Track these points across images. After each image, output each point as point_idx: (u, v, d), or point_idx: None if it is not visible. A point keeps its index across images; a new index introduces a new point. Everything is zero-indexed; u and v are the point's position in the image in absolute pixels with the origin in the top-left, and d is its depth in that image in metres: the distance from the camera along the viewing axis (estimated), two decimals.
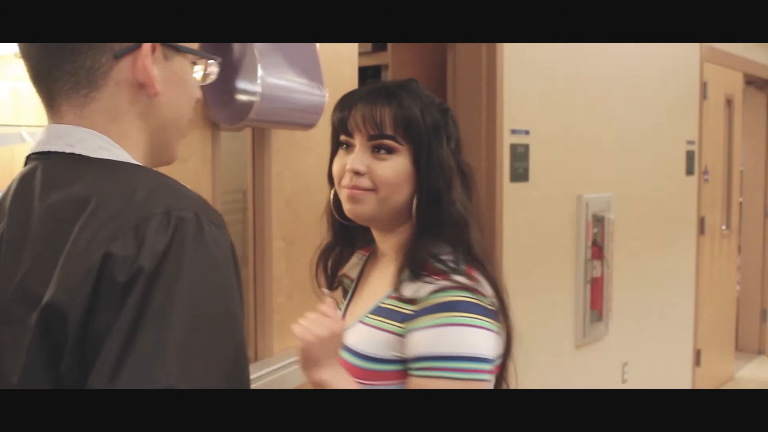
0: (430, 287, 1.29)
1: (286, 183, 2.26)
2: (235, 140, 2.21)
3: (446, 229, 1.35)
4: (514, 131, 3.40)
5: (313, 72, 2.12)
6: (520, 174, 3.43)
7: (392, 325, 1.31)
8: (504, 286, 1.38)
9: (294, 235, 2.29)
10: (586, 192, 3.79)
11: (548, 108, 3.59)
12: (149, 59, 0.98)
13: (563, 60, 3.65)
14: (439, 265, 1.32)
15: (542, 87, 3.55)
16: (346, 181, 1.36)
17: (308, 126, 2.15)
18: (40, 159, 1.00)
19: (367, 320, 1.37)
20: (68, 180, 0.95)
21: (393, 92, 1.37)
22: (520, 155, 3.43)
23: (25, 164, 1.03)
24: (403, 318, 1.30)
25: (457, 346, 1.24)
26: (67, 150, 0.97)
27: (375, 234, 1.47)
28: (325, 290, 1.50)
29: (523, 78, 3.42)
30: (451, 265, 1.32)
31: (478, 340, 1.26)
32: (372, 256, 1.53)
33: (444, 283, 1.29)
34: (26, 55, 1.01)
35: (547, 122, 3.58)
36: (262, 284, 2.21)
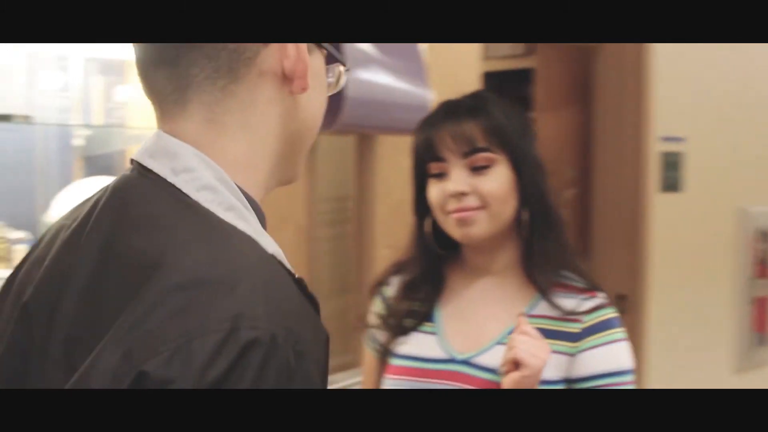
0: (588, 304, 1.33)
1: (392, 189, 2.22)
2: (340, 147, 2.20)
3: (555, 229, 1.36)
4: (665, 139, 3.18)
5: (415, 73, 2.07)
6: (671, 184, 3.21)
7: (559, 345, 1.31)
8: None
9: (401, 242, 2.25)
10: (750, 204, 3.49)
11: (706, 112, 3.33)
12: (298, 46, 0.78)
13: (723, 59, 3.37)
14: (576, 282, 1.36)
15: (699, 89, 3.30)
16: (451, 205, 1.33)
17: (411, 130, 2.11)
18: (142, 173, 0.77)
19: None
20: (150, 225, 0.73)
21: (474, 105, 1.36)
22: (672, 164, 3.21)
23: (131, 166, 0.80)
24: (571, 337, 1.32)
25: (626, 360, 1.31)
26: (169, 178, 0.74)
27: (476, 254, 1.41)
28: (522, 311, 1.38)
29: (677, 80, 3.19)
30: (592, 281, 1.38)
31: (629, 352, 1.34)
32: (463, 272, 1.45)
33: (599, 301, 1.34)
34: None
35: (705, 128, 3.32)
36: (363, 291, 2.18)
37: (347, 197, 2.24)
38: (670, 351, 3.19)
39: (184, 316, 0.63)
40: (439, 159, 1.34)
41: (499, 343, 1.34)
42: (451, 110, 1.37)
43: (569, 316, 1.32)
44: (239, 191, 0.75)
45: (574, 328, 1.32)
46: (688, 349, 3.26)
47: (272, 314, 0.65)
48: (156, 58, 0.77)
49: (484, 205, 1.32)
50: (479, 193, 1.31)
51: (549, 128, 3.51)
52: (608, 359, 1.30)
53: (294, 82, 0.78)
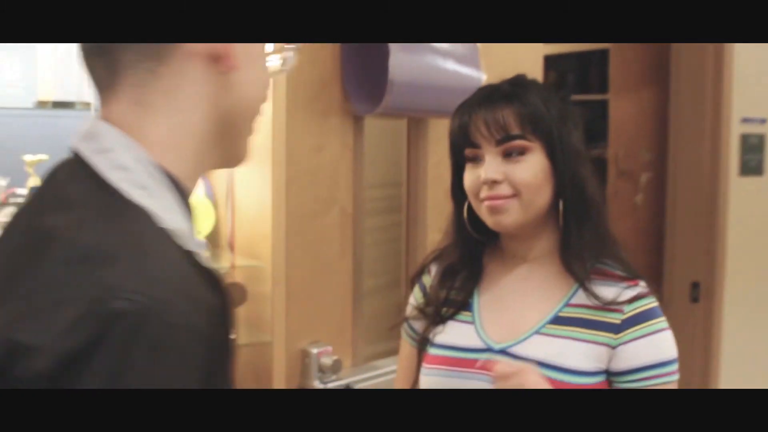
0: (629, 293, 1.30)
1: (444, 174, 2.20)
2: (393, 131, 2.20)
3: (593, 217, 1.32)
4: (745, 120, 3.05)
5: (467, 55, 2.05)
6: (752, 167, 3.08)
7: (598, 335, 1.29)
8: None
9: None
10: None
11: None
12: None
13: None
14: (618, 270, 1.33)
15: None
16: (483, 192, 1.30)
17: None
18: (72, 155, 0.79)
19: (551, 331, 1.30)
20: (62, 203, 0.75)
21: (510, 91, 1.33)
22: (753, 146, 3.07)
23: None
24: (613, 328, 1.28)
25: (670, 350, 1.29)
26: (89, 158, 0.76)
27: (513, 242, 1.39)
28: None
29: (758, 58, 3.05)
30: (633, 269, 1.34)
31: (672, 341, 1.31)
32: (501, 260, 1.43)
33: (640, 290, 1.30)
34: None
35: None
36: None
37: (400, 183, 2.24)
38: (745, 341, 3.07)
39: (61, 288, 0.65)
40: (474, 145, 1.32)
41: (537, 332, 1.31)
42: (487, 95, 1.33)
43: (609, 305, 1.29)
44: (158, 170, 0.76)
45: (614, 318, 1.28)
46: (764, 339, 3.12)
47: (146, 287, 0.65)
48: (91, 46, 0.80)
49: (516, 194, 1.28)
50: (512, 181, 1.28)
51: (624, 110, 3.41)
52: (651, 350, 1.27)
53: (221, 61, 0.79)
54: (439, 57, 1.99)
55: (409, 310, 1.47)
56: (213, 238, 2.11)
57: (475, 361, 1.33)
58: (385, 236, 2.26)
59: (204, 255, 0.76)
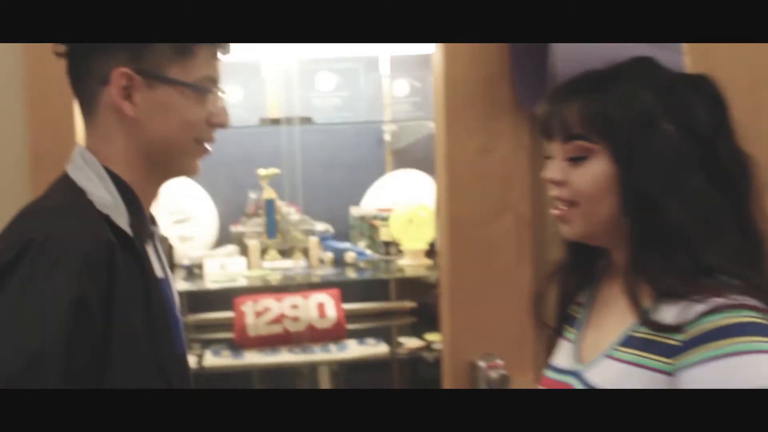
0: (699, 307, 1.05)
1: None
2: None
3: (665, 243, 1.10)
4: None
5: (668, 58, 1.80)
6: None
7: (655, 360, 1.10)
8: None
9: None
10: None
11: None
12: (117, 87, 1.14)
13: None
14: (703, 279, 1.08)
15: None
16: (552, 192, 1.20)
17: None
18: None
19: (617, 354, 1.16)
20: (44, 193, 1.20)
21: (587, 83, 1.18)
22: None
23: None
24: (670, 351, 1.08)
25: (755, 379, 1.00)
26: (68, 167, 1.19)
27: (609, 252, 1.25)
28: None
29: None
30: (723, 278, 1.08)
31: (760, 367, 1.01)
32: (607, 272, 1.29)
33: (719, 301, 1.04)
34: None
35: None
36: None
37: None
38: None
39: (10, 229, 1.09)
40: (550, 138, 1.20)
41: (607, 355, 1.15)
42: (565, 87, 1.21)
43: (670, 329, 1.06)
44: (105, 171, 1.15)
45: (674, 340, 1.05)
46: None
47: (55, 230, 1.04)
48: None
49: (574, 202, 1.15)
50: (570, 186, 1.15)
51: None
52: (724, 377, 1.00)
53: (121, 111, 1.15)
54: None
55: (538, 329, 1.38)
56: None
57: (557, 382, 1.23)
58: None
59: (121, 220, 1.13)
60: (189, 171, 1.23)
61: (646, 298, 1.11)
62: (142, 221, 1.19)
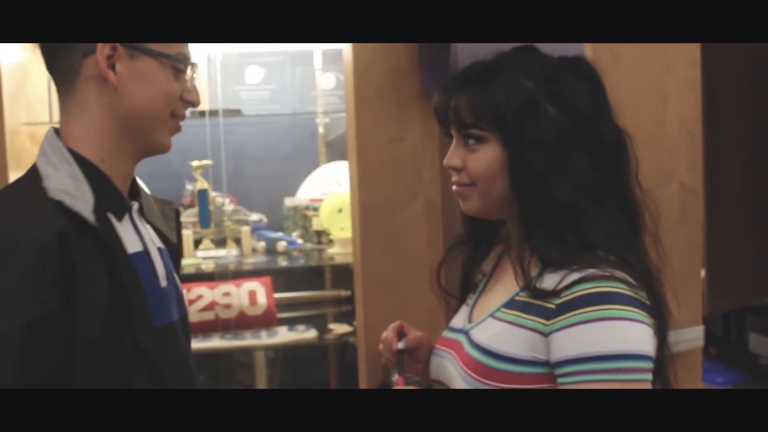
0: (574, 276, 1.15)
1: None
2: None
3: (549, 219, 1.20)
4: None
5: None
6: None
7: (531, 320, 1.19)
8: (659, 280, 1.21)
9: None
10: None
11: None
12: (102, 56, 1.15)
13: None
14: (584, 254, 1.18)
15: None
16: (453, 177, 1.30)
17: None
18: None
19: (500, 315, 1.26)
20: None
21: (474, 74, 1.27)
22: None
23: None
24: (545, 314, 1.17)
25: (617, 342, 1.10)
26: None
27: (503, 226, 1.37)
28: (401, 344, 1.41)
29: None
30: (601, 253, 1.17)
31: (639, 335, 1.12)
32: (508, 247, 1.38)
33: (592, 271, 1.14)
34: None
35: None
36: None
37: None
38: None
39: None
40: (447, 128, 1.30)
41: (492, 315, 1.26)
42: (454, 80, 1.30)
43: (549, 294, 1.16)
44: (68, 153, 1.17)
45: (550, 303, 1.15)
46: None
47: (7, 223, 1.07)
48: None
49: (472, 183, 1.25)
50: (467, 170, 1.25)
51: None
52: (589, 339, 1.11)
53: (107, 81, 1.16)
54: None
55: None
56: None
57: (449, 340, 1.34)
58: None
59: (80, 203, 1.13)
60: (162, 146, 1.25)
61: (533, 268, 1.20)
62: (113, 198, 1.21)
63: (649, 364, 1.12)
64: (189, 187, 2.72)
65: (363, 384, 1.99)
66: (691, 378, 2.27)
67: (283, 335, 2.50)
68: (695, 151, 2.19)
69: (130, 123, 1.20)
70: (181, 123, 1.28)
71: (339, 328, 2.63)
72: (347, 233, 2.54)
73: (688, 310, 2.19)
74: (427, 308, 1.96)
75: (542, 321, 1.16)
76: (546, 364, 1.15)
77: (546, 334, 1.15)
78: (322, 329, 2.67)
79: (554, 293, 1.15)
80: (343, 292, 2.87)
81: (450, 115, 1.26)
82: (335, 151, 2.95)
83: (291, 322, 2.67)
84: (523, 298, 1.22)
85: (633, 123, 1.92)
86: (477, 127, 1.22)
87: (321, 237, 2.67)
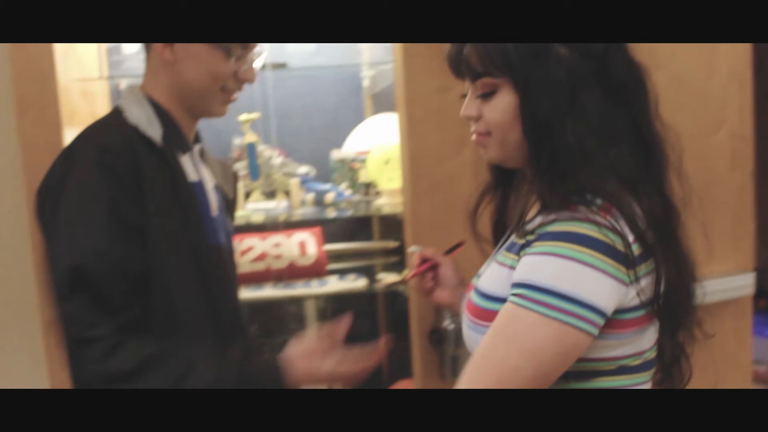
0: (551, 216, 1.17)
1: None
2: None
3: (555, 162, 1.20)
4: None
5: None
6: None
7: (511, 258, 1.25)
8: (646, 232, 1.18)
9: None
10: None
11: None
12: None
13: None
14: (573, 198, 1.18)
15: None
16: (471, 128, 1.33)
17: None
18: None
19: (499, 257, 1.32)
20: None
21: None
22: None
23: None
24: (518, 251, 1.22)
25: (563, 281, 1.10)
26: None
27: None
28: (412, 248, 1.55)
29: None
30: (588, 197, 1.18)
31: (591, 283, 1.11)
32: None
33: (567, 213, 1.15)
34: None
35: None
36: None
37: None
38: None
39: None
40: (462, 79, 1.32)
41: (494, 260, 1.32)
42: None
43: (526, 233, 1.20)
44: (144, 97, 1.49)
45: (524, 241, 1.20)
46: None
47: (91, 135, 1.42)
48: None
49: (489, 132, 1.27)
50: (484, 119, 1.27)
51: None
52: (541, 269, 1.12)
53: (164, 56, 1.47)
54: None
55: None
56: None
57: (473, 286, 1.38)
58: None
59: (153, 131, 1.43)
60: (214, 113, 1.54)
61: (534, 212, 1.24)
62: (178, 136, 1.49)
63: (595, 317, 1.11)
64: (236, 141, 2.75)
65: (414, 332, 2.02)
66: (740, 327, 2.28)
67: (334, 284, 2.54)
68: (745, 98, 2.18)
69: (184, 92, 1.50)
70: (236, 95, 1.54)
71: (388, 278, 2.67)
72: (394, 184, 2.56)
73: (739, 258, 2.19)
74: (476, 256, 1.99)
75: (515, 257, 1.21)
76: None
77: (514, 268, 1.19)
78: (371, 279, 2.71)
79: (530, 232, 1.18)
80: (391, 243, 2.90)
81: (462, 66, 1.27)
82: (380, 104, 2.96)
83: (340, 273, 2.71)
84: (515, 239, 1.25)
85: (682, 70, 1.93)
86: (489, 74, 1.23)
87: (368, 189, 2.69)
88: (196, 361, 1.32)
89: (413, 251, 1.56)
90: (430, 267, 1.57)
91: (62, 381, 1.46)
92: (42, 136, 1.88)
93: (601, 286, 1.11)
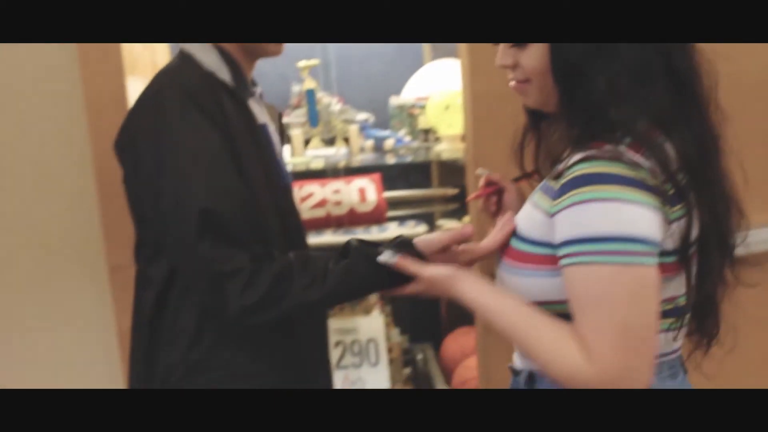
0: (578, 156, 1.14)
1: None
2: None
3: (586, 102, 1.17)
4: None
5: None
6: None
7: (545, 202, 1.22)
8: (677, 173, 1.14)
9: None
10: None
11: None
12: None
13: None
14: (603, 137, 1.16)
15: None
16: (509, 76, 1.31)
17: None
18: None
19: (534, 198, 1.30)
20: None
21: None
22: None
23: None
24: (552, 195, 1.19)
25: (609, 224, 1.07)
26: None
27: None
28: (480, 170, 1.52)
29: None
30: (617, 135, 1.15)
31: (632, 216, 1.08)
32: None
33: (592, 151, 1.12)
34: None
35: None
36: None
37: None
38: None
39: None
40: None
41: (529, 202, 1.30)
42: None
43: (557, 175, 1.18)
44: (217, 51, 1.42)
45: (557, 184, 1.16)
46: None
47: (175, 79, 1.36)
48: None
49: (527, 79, 1.26)
50: (521, 67, 1.25)
51: None
52: (581, 221, 1.09)
53: None
54: None
55: None
56: None
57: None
58: None
59: (225, 76, 1.41)
60: (270, 52, 1.49)
61: (567, 153, 1.21)
62: (244, 80, 1.45)
63: (646, 248, 1.08)
64: (295, 88, 2.75)
65: None
66: None
67: (394, 230, 2.54)
68: None
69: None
70: None
71: (448, 224, 2.66)
72: (455, 130, 2.54)
73: None
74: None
75: (550, 202, 1.17)
76: (550, 245, 1.17)
77: (551, 215, 1.16)
78: (431, 226, 2.71)
79: (560, 174, 1.16)
80: (450, 190, 2.88)
81: None
82: (438, 50, 2.92)
83: (400, 219, 2.71)
84: (548, 181, 1.23)
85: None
86: None
87: (428, 135, 2.67)
88: (321, 257, 1.35)
89: (480, 173, 1.54)
90: (495, 191, 1.55)
91: (127, 325, 1.48)
92: (105, 85, 1.90)
93: (645, 219, 1.08)
